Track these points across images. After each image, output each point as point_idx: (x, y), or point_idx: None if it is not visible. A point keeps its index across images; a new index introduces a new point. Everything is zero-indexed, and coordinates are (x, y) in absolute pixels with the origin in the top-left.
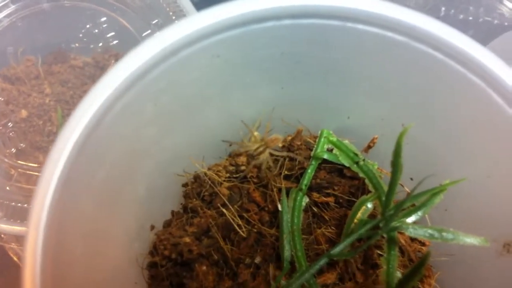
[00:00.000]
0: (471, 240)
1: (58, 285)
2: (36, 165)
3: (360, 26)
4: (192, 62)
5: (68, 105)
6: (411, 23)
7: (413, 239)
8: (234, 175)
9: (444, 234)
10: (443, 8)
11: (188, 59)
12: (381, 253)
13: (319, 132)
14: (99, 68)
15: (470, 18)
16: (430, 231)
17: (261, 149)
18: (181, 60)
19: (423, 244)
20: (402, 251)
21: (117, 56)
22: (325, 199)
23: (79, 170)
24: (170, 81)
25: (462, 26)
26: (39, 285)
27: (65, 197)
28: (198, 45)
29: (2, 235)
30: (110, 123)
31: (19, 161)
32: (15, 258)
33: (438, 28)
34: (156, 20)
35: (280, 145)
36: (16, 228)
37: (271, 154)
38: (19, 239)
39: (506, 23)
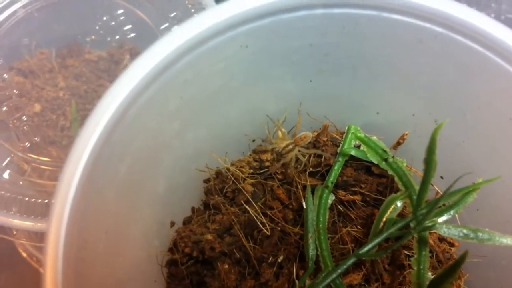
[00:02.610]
0: (507, 241)
1: (80, 282)
2: (49, 159)
3: (396, 16)
4: (219, 53)
5: (82, 99)
6: (450, 13)
7: (441, 240)
8: (258, 172)
9: (479, 234)
10: (465, 5)
11: (215, 49)
12: (408, 253)
13: (346, 128)
14: (114, 63)
15: (492, 15)
16: (464, 230)
17: (290, 147)
18: (208, 51)
19: (452, 244)
20: (430, 252)
21: (131, 51)
22: (351, 197)
23: (102, 164)
24: (196, 72)
25: None
26: (61, 281)
27: (88, 192)
28: (227, 35)
29: (14, 231)
30: (135, 116)
31: (32, 155)
32: (24, 254)
33: (478, 19)
34: (175, 13)
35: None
36: (29, 224)
37: (299, 152)
38: (31, 235)
39: None
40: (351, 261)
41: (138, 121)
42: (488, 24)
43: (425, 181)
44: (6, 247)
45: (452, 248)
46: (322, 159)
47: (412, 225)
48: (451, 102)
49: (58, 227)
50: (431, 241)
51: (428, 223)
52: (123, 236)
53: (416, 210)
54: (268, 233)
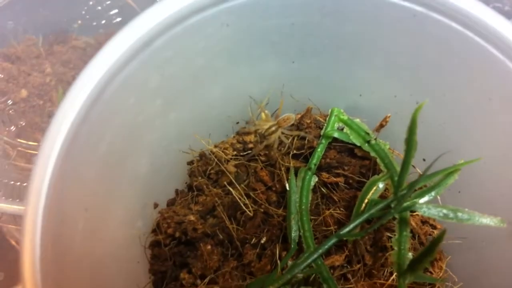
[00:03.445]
0: (487, 220)
1: (58, 256)
2: (35, 144)
3: None
4: (200, 31)
5: (69, 85)
6: None
7: (424, 222)
8: (241, 153)
9: (459, 214)
10: None
11: (196, 27)
12: (391, 235)
13: (330, 111)
14: None
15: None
16: (444, 210)
17: (273, 128)
18: (188, 28)
19: (434, 227)
20: (413, 234)
21: None
22: (334, 179)
23: (80, 142)
24: (177, 50)
25: None
26: (39, 257)
27: (66, 170)
28: (207, 12)
29: (0, 215)
30: (114, 93)
31: (18, 140)
32: (12, 241)
33: None
34: None
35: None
36: (15, 207)
37: (282, 134)
38: (17, 219)
39: None
40: (332, 241)
41: (118, 98)
42: (467, 2)
43: (406, 162)
44: None
45: (435, 231)
46: (306, 141)
47: (392, 205)
48: (431, 83)
49: (35, 203)
50: (413, 223)
51: (408, 203)
52: (104, 215)
53: (397, 191)
54: (251, 215)
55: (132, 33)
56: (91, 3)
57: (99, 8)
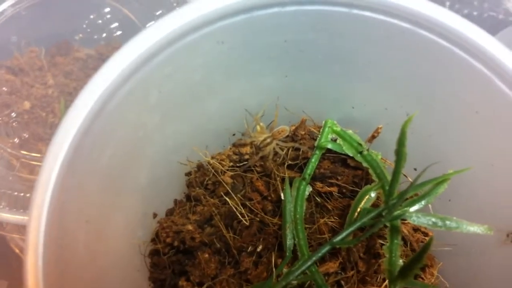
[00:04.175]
0: (474, 228)
1: (61, 267)
2: (38, 155)
3: (366, 13)
4: (197, 48)
5: (71, 96)
6: (417, 10)
7: (416, 230)
8: (238, 164)
9: (447, 222)
10: (448, 3)
11: (193, 45)
12: (383, 243)
13: (323, 122)
14: (102, 61)
15: (475, 13)
16: (433, 219)
17: (268, 140)
18: (186, 46)
19: (426, 234)
20: (405, 241)
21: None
22: (328, 188)
23: (82, 155)
24: (175, 67)
25: None
26: (42, 267)
27: (68, 182)
28: (203, 31)
29: (4, 225)
30: (114, 109)
31: (22, 152)
32: (16, 250)
33: (444, 15)
34: (160, 11)
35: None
36: (18, 218)
37: (277, 145)
38: (21, 229)
39: (511, 18)
40: (326, 249)
41: (119, 113)
42: (453, 19)
43: (396, 172)
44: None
45: (426, 238)
46: (300, 152)
47: (384, 214)
48: (421, 96)
49: (38, 213)
50: (405, 231)
51: (398, 212)
52: (105, 226)
53: (388, 200)
54: (248, 224)
55: (132, 50)
56: (92, 16)
57: (100, 21)
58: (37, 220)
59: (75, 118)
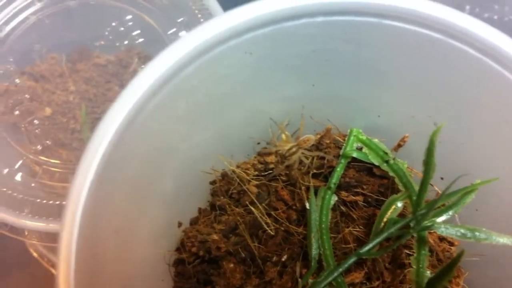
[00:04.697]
0: (504, 240)
1: (92, 280)
2: (59, 162)
3: (396, 23)
4: (224, 59)
5: (91, 102)
6: (448, 20)
7: (441, 239)
8: (263, 173)
9: (476, 233)
10: (467, 7)
11: (221, 56)
12: (409, 252)
13: (349, 131)
14: (122, 67)
15: (495, 17)
16: (462, 230)
17: (293, 149)
18: (214, 58)
19: (451, 244)
20: (431, 251)
21: (140, 54)
22: (353, 198)
23: (113, 166)
24: (202, 78)
25: None
26: (73, 279)
27: (100, 192)
28: (231, 42)
29: (26, 232)
30: (144, 121)
31: (43, 158)
32: (35, 254)
33: (474, 25)
34: (182, 19)
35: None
36: (41, 225)
37: (302, 154)
38: (41, 235)
39: None
40: (352, 260)
41: (147, 125)
42: (483, 29)
43: (424, 182)
44: (18, 248)
45: (452, 248)
46: (325, 161)
47: (411, 224)
48: (449, 105)
49: (71, 227)
50: (431, 241)
51: (427, 223)
52: (132, 236)
53: (416, 210)
54: (273, 233)
55: (161, 64)
56: (114, 24)
57: (122, 28)
58: (70, 231)
59: (106, 130)
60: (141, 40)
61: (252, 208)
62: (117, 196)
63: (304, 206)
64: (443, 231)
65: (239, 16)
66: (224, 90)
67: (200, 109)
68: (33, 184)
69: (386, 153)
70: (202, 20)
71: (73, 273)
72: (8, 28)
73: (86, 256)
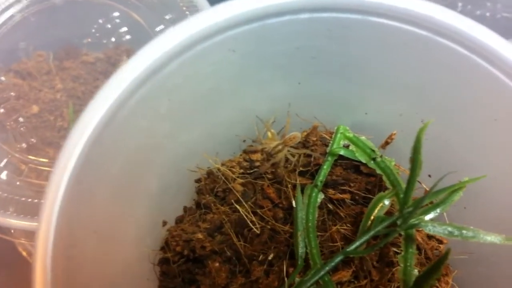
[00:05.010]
0: (491, 238)
1: (69, 278)
2: (46, 160)
3: (381, 20)
4: (207, 57)
5: (79, 100)
6: (434, 17)
7: (430, 237)
8: (248, 171)
9: (464, 232)
10: (460, 4)
11: (204, 53)
12: (397, 251)
13: (336, 128)
14: (111, 64)
15: (488, 14)
16: (449, 228)
17: (279, 147)
18: (196, 55)
19: (440, 242)
20: (419, 249)
21: (128, 52)
22: (340, 196)
23: (92, 164)
24: (186, 76)
25: (479, 22)
26: (50, 278)
27: (78, 191)
28: (214, 39)
29: (12, 230)
30: (125, 117)
31: (29, 156)
32: (24, 253)
33: (461, 22)
34: (170, 16)
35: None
36: (26, 223)
37: (288, 152)
38: (29, 234)
39: None
40: (339, 258)
41: (129, 122)
42: (471, 26)
43: (411, 180)
44: (6, 247)
45: (441, 245)
46: (312, 159)
47: (398, 222)
48: (436, 102)
49: (47, 225)
50: (419, 239)
51: (414, 221)
52: (114, 235)
53: (403, 208)
54: (258, 232)
55: (142, 59)
56: (100, 21)
57: (109, 26)
58: (46, 230)
59: (85, 127)
60: (128, 37)
61: (238, 207)
62: (99, 194)
63: (291, 204)
64: (430, 229)
65: (222, 12)
66: (208, 87)
67: (184, 107)
68: (18, 183)
69: (374, 151)
70: (191, 16)
71: (49, 272)
72: None
73: (63, 255)
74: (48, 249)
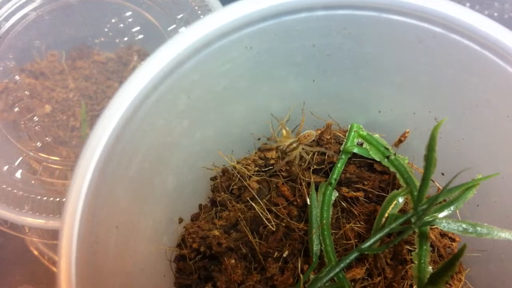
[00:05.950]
0: (505, 235)
1: (93, 275)
2: (59, 159)
3: (396, 17)
4: (224, 54)
5: (91, 100)
6: (449, 14)
7: (443, 235)
8: (263, 169)
9: (478, 228)
10: (468, 4)
11: (221, 51)
12: (411, 248)
13: (349, 126)
14: (122, 64)
15: (495, 14)
16: (464, 225)
17: (294, 145)
18: (214, 52)
19: (453, 239)
20: (432, 247)
21: (139, 52)
22: (354, 193)
23: (114, 161)
24: (203, 73)
25: None
26: (74, 278)
27: (100, 188)
28: (231, 36)
29: (26, 229)
30: (144, 116)
31: (43, 155)
32: (35, 252)
33: (476, 20)
34: (182, 15)
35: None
36: (41, 221)
37: (303, 150)
38: (42, 233)
39: None
40: (353, 255)
41: (148, 120)
42: (485, 23)
43: (425, 178)
44: (19, 245)
45: (453, 243)
46: (326, 157)
47: (412, 220)
48: (450, 100)
49: (71, 222)
50: (432, 237)
51: (428, 218)
52: (133, 232)
53: (417, 205)
54: (273, 229)
55: (161, 58)
56: (113, 20)
57: (121, 25)
58: (70, 227)
59: (106, 125)
60: (140, 36)
61: (253, 204)
62: (118, 192)
63: (305, 202)
64: (444, 226)
65: (239, 10)
66: (224, 85)
67: (201, 104)
68: (33, 181)
69: (387, 149)
70: (202, 16)
71: (74, 269)
72: (8, 24)
73: (87, 252)
74: (73, 244)
